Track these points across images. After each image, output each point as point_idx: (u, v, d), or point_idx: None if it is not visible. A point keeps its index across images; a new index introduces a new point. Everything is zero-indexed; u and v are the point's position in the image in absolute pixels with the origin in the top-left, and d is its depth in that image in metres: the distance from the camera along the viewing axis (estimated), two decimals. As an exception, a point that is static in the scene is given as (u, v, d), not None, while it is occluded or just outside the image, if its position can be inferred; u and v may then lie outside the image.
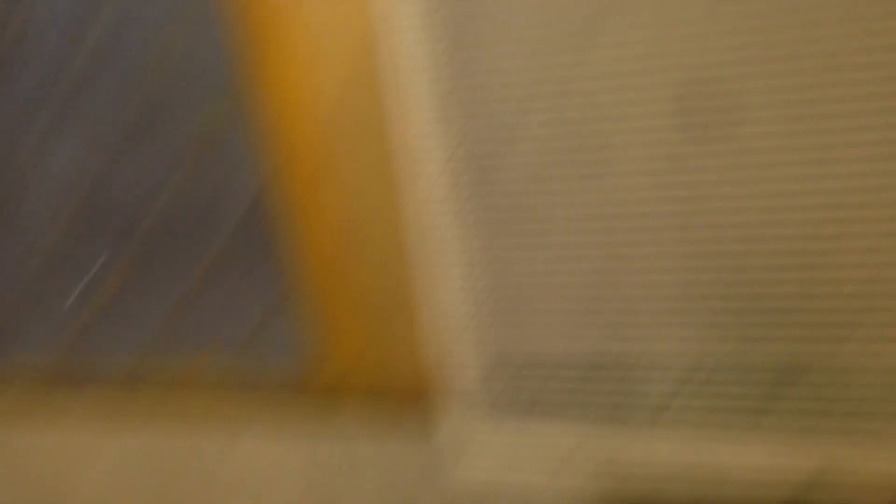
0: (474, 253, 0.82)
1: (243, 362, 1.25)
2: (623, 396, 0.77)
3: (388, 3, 0.98)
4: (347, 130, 1.05)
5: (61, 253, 1.36)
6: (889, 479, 0.74)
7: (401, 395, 1.12)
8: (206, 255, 1.24)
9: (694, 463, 0.76)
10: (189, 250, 1.25)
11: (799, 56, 0.80)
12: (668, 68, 0.80)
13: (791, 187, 0.79)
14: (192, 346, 1.29)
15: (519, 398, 0.81)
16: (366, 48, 1.00)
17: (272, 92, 1.09)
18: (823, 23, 0.78)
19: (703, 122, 0.79)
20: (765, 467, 0.73)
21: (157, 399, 1.31)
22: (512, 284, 0.81)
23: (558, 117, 0.81)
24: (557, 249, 0.79)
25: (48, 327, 1.41)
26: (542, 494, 1.00)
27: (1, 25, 1.29)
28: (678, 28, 0.80)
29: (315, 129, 1.07)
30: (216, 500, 1.29)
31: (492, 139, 0.84)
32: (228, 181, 1.19)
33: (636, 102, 0.81)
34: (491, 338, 0.84)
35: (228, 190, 1.19)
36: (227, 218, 1.20)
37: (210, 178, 1.20)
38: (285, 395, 1.21)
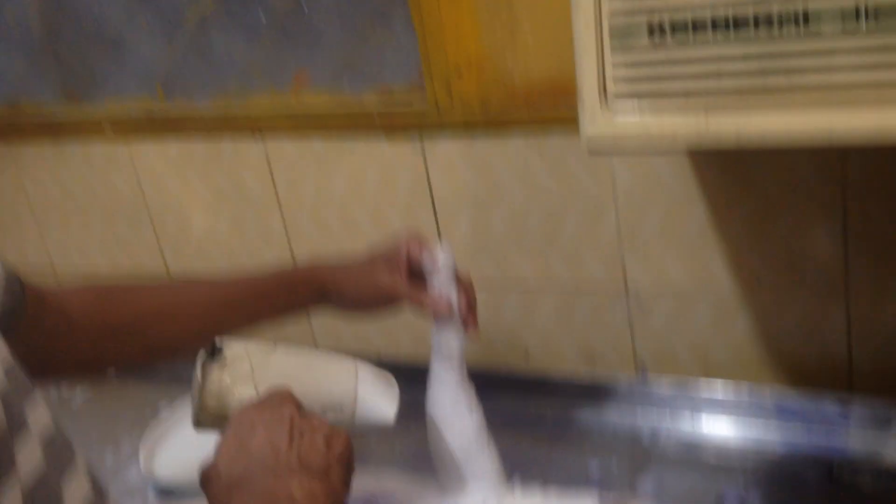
0: None
1: (350, 79, 1.21)
2: (765, 60, 0.69)
3: None
4: None
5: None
6: None
7: (524, 89, 1.09)
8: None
9: (849, 132, 0.68)
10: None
11: None
12: None
13: None
14: (293, 67, 1.24)
15: (651, 67, 0.74)
16: None
17: None
18: None
19: None
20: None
21: (259, 124, 1.30)
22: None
23: None
24: None
25: (137, 69, 1.36)
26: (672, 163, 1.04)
27: None
28: None
29: None
30: (333, 205, 1.30)
31: None
32: None
33: None
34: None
35: None
36: None
37: None
38: (399, 100, 1.18)
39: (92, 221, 1.54)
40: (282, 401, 0.75)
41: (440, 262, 0.91)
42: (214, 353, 0.83)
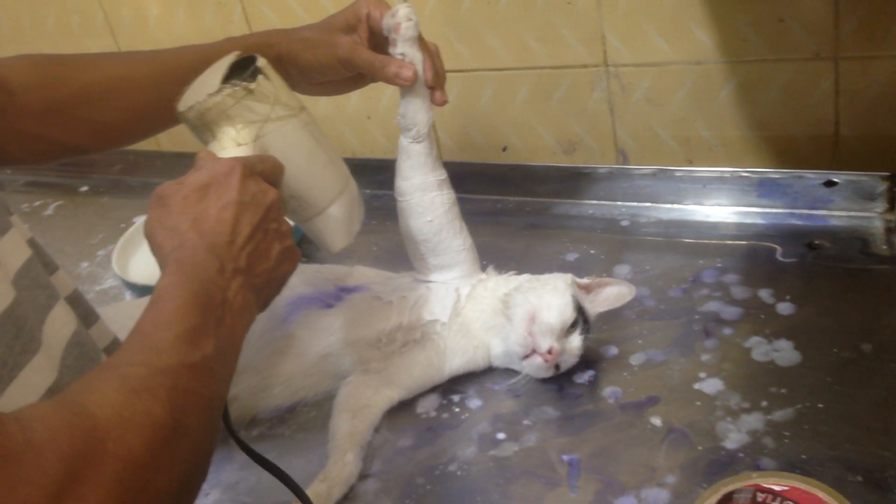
0: None
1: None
2: None
3: None
4: None
5: None
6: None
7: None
8: None
9: None
10: None
11: None
12: None
13: None
14: None
15: None
16: None
17: None
18: None
19: None
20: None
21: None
22: None
23: None
24: None
25: None
26: None
27: None
28: None
29: None
30: None
31: None
32: None
33: None
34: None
35: None
36: None
37: None
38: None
39: (43, 24, 1.44)
40: (266, 182, 0.68)
41: (402, 23, 0.83)
42: (250, 68, 0.72)
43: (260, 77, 0.72)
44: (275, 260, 0.67)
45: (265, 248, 0.66)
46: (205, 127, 0.72)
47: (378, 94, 1.23)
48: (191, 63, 0.89)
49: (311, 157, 0.77)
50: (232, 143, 0.71)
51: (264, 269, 0.66)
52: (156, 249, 0.64)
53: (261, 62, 0.73)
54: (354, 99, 1.26)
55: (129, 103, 0.88)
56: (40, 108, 0.86)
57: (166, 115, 0.94)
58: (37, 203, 1.48)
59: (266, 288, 0.67)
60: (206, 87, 0.71)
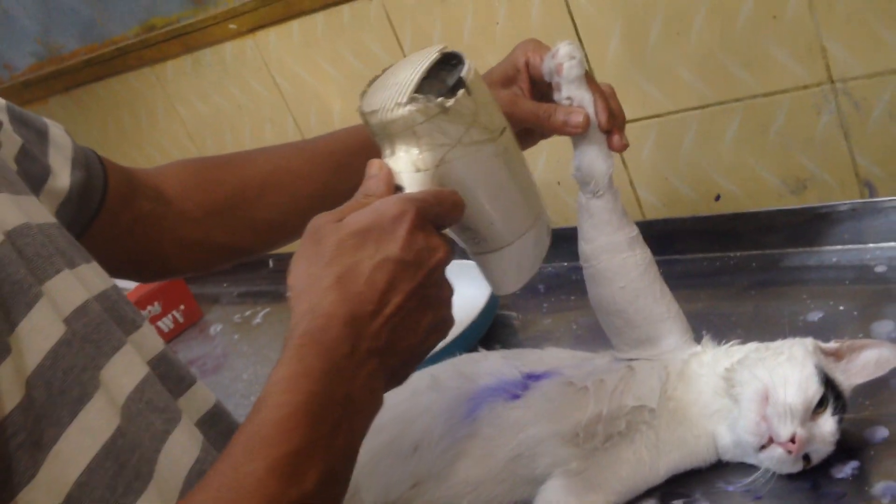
0: None
1: None
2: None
3: None
4: None
5: None
6: None
7: None
8: None
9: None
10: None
11: None
12: None
13: None
14: None
15: None
16: None
17: None
18: None
19: None
20: None
21: None
22: None
23: None
24: None
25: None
26: None
27: None
28: None
29: None
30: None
31: None
32: None
33: None
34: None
35: None
36: None
37: None
38: None
39: (241, 135, 1.49)
40: (439, 229, 0.57)
41: (564, 63, 0.72)
42: (454, 75, 0.59)
43: (461, 93, 0.58)
44: (422, 334, 0.54)
45: (415, 319, 0.54)
46: (385, 137, 0.61)
47: (566, 156, 1.11)
48: (345, 146, 0.84)
49: (499, 192, 0.63)
50: (410, 167, 0.59)
51: (407, 345, 0.54)
52: (291, 300, 0.53)
53: (468, 72, 0.59)
54: (541, 165, 1.15)
55: (288, 197, 0.84)
56: (199, 213, 0.83)
57: (328, 205, 0.89)
58: (247, 313, 1.49)
59: (403, 368, 0.55)
60: (397, 90, 0.59)
